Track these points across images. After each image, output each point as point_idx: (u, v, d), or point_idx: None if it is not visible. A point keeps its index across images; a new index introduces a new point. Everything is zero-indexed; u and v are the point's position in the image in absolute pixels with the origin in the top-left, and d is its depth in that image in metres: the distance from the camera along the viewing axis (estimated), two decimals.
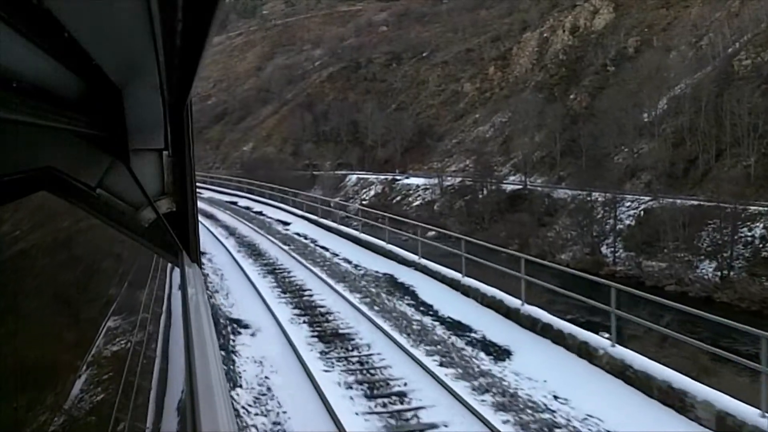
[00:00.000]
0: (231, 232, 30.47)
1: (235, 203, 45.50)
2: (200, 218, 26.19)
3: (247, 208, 42.40)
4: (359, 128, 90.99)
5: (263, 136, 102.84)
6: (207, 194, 50.32)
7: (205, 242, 22.67)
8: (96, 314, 1.10)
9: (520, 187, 60.36)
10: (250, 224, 32.91)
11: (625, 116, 57.23)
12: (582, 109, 68.58)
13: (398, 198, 70.11)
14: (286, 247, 24.97)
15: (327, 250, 24.59)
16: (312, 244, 26.17)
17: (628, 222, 47.11)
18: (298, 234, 29.44)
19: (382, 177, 75.55)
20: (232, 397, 9.72)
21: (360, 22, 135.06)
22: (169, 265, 2.44)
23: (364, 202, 72.12)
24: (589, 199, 50.95)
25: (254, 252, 24.55)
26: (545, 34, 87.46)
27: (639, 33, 76.29)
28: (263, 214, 37.76)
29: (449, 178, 67.34)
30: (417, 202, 67.61)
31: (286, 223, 33.95)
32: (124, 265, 2.05)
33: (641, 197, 48.96)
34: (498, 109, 79.74)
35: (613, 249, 45.58)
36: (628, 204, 48.52)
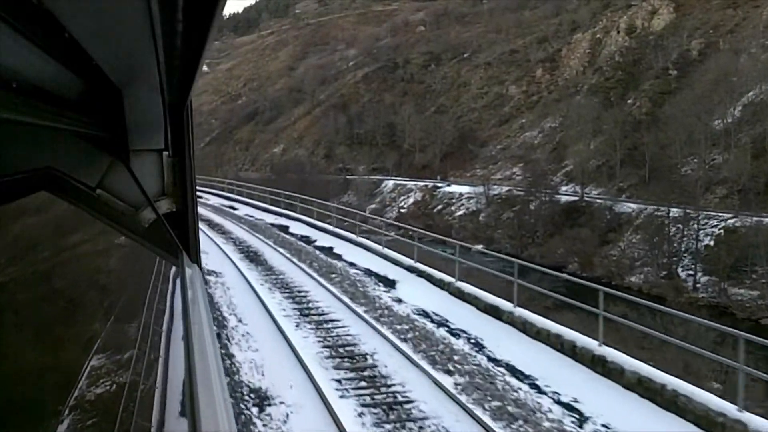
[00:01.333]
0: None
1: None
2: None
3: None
4: (396, 131, 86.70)
5: (294, 137, 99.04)
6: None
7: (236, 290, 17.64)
8: (96, 315, 1.10)
9: (576, 198, 55.47)
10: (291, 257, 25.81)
11: (695, 124, 52.17)
12: (642, 114, 63.54)
13: (440, 207, 65.56)
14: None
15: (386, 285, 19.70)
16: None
17: (706, 242, 42.05)
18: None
19: (422, 184, 71.06)
20: None
21: (396, 21, 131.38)
22: (169, 265, 2.40)
23: (402, 210, 67.77)
24: (658, 214, 46.02)
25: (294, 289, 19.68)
26: (598, 35, 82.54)
27: (703, 35, 71.02)
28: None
29: (495, 187, 62.57)
30: (460, 212, 63.01)
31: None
32: (124, 265, 2.05)
33: (719, 214, 43.89)
34: (547, 113, 74.96)
35: (692, 273, 40.50)
36: (705, 221, 43.45)
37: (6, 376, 0.67)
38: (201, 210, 31.13)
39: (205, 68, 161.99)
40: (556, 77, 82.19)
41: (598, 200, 53.75)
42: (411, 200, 68.91)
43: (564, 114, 71.33)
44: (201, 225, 25.49)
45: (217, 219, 32.28)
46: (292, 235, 27.16)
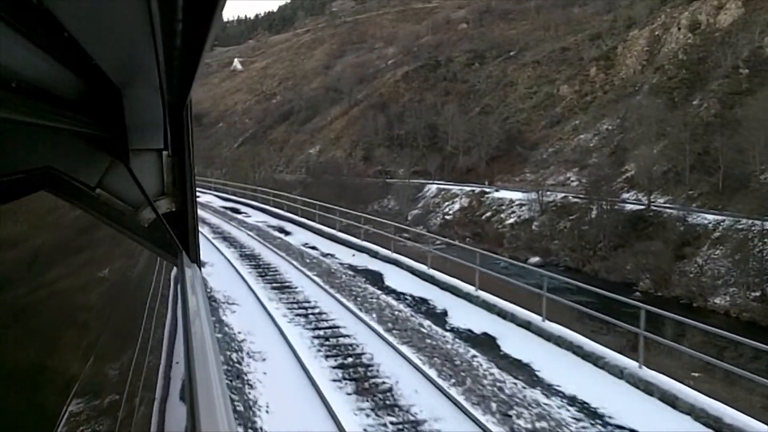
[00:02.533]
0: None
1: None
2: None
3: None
4: (438, 133, 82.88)
5: (331, 138, 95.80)
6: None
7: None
8: (95, 314, 1.14)
9: (642, 207, 50.97)
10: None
11: None
12: (711, 116, 58.78)
13: (488, 214, 61.42)
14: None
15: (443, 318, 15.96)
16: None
17: None
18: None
19: (468, 189, 67.03)
20: None
21: (437, 19, 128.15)
22: (169, 265, 2.42)
23: (447, 217, 63.92)
24: (740, 226, 41.53)
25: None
26: (656, 32, 77.72)
27: None
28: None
29: (549, 193, 58.31)
30: (511, 220, 58.86)
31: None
32: (124, 265, 2.02)
33: None
34: (603, 114, 70.45)
35: None
36: None
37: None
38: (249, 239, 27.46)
39: (239, 66, 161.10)
40: (612, 76, 77.57)
41: (667, 210, 49.17)
42: (456, 206, 64.95)
43: (622, 115, 66.78)
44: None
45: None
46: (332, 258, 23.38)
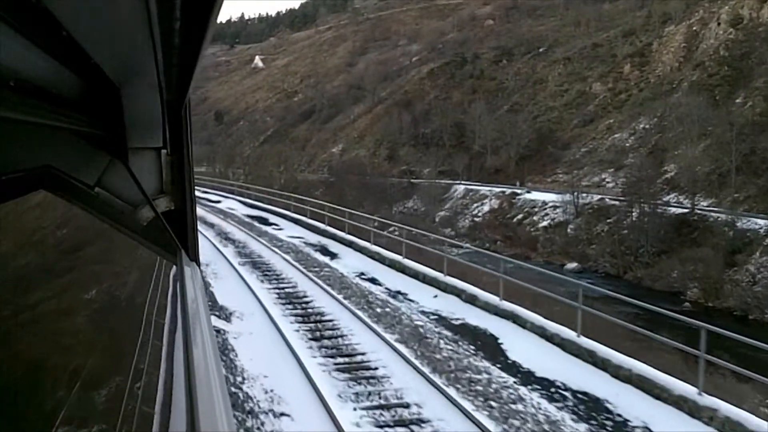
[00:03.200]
0: None
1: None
2: None
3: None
4: (465, 131, 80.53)
5: (354, 137, 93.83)
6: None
7: None
8: (94, 313, 1.18)
9: (686, 210, 48.37)
10: None
11: None
12: (756, 115, 55.96)
13: (520, 216, 59.03)
14: None
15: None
16: None
17: None
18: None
19: (498, 189, 64.67)
20: None
21: (462, 15, 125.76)
22: (168, 263, 2.41)
23: (477, 219, 61.65)
24: None
25: None
26: (694, 28, 74.81)
27: None
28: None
29: (584, 195, 55.80)
30: (544, 223, 56.44)
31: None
32: (123, 263, 2.04)
33: None
34: (639, 113, 67.76)
35: None
36: None
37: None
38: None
39: (260, 64, 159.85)
40: (647, 73, 74.77)
41: (712, 213, 46.54)
42: (486, 208, 62.63)
43: (660, 114, 64.11)
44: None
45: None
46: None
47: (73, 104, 1.48)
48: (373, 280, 19.47)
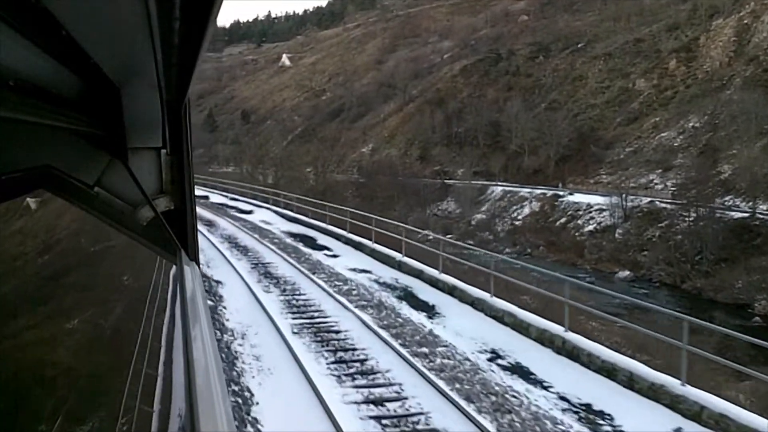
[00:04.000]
0: None
1: None
2: None
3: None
4: (501, 130, 77.75)
5: (385, 136, 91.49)
6: None
7: None
8: (94, 312, 1.24)
9: (746, 215, 45.20)
10: None
11: None
12: None
13: (563, 220, 56.19)
14: None
15: None
16: None
17: None
18: None
19: (539, 191, 61.84)
20: None
21: (495, 11, 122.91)
22: (167, 263, 2.50)
23: (517, 223, 58.88)
24: None
25: None
26: (745, 21, 71.25)
27: None
28: None
29: (633, 198, 52.80)
30: (590, 227, 53.56)
31: None
32: (122, 263, 2.14)
33: None
34: (687, 110, 64.47)
35: None
36: None
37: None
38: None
39: (287, 62, 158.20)
40: (694, 69, 71.32)
41: None
42: (526, 211, 59.87)
43: (711, 111, 60.84)
44: None
45: None
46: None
47: (72, 104, 1.49)
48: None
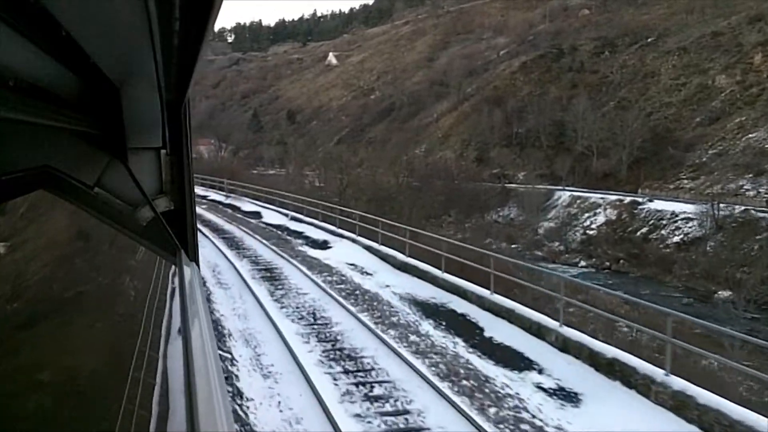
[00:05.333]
0: None
1: None
2: None
3: None
4: (566, 130, 72.95)
5: (438, 137, 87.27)
6: None
7: None
8: (94, 312, 1.29)
9: None
10: None
11: None
12: None
13: (644, 230, 51.22)
14: None
15: None
16: None
17: None
18: None
19: (613, 197, 56.90)
20: None
21: (553, 6, 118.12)
22: (167, 263, 2.42)
23: (590, 232, 54.08)
24: None
25: None
26: None
27: None
28: None
29: (724, 206, 47.62)
30: (675, 238, 48.54)
31: None
32: (122, 263, 2.04)
33: None
34: None
35: None
36: None
37: None
38: None
39: (333, 61, 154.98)
40: None
41: None
42: (601, 219, 55.02)
43: None
44: None
45: None
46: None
47: (72, 104, 1.49)
48: None
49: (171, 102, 2.22)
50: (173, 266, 2.41)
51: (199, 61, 1.50)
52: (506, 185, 69.31)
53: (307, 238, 25.69)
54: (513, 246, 54.59)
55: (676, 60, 76.54)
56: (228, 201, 39.85)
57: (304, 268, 19.05)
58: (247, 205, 36.97)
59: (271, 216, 32.33)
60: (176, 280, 2.29)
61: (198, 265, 2.60)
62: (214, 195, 43.34)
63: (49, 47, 1.07)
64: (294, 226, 28.83)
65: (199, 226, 26.27)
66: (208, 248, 22.49)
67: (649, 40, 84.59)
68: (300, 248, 23.30)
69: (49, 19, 0.94)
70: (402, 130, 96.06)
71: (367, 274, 18.81)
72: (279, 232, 27.24)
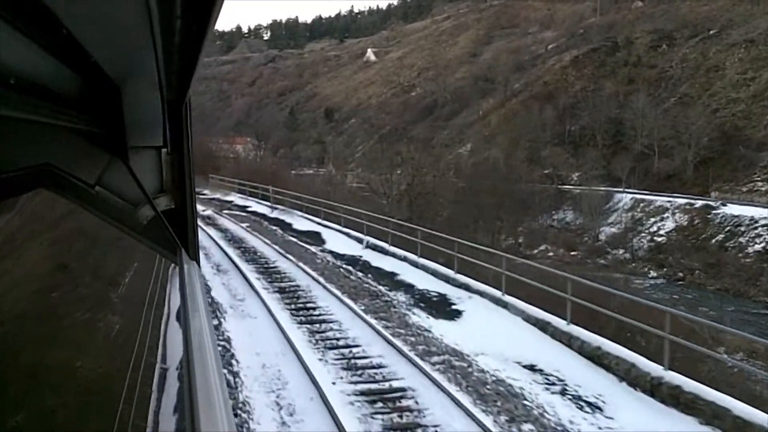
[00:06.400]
0: None
1: None
2: None
3: None
4: (623, 128, 68.86)
5: (484, 135, 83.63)
6: None
7: None
8: (94, 311, 1.33)
9: None
10: None
11: None
12: None
13: (720, 237, 47.17)
14: None
15: None
16: None
17: None
18: None
19: (682, 201, 52.86)
20: None
21: None
22: (168, 262, 2.40)
23: (658, 239, 50.17)
24: None
25: None
26: None
27: None
28: None
29: None
30: (756, 247, 44.43)
31: None
32: (123, 262, 2.09)
33: None
34: None
35: None
36: None
37: None
38: None
39: (372, 57, 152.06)
40: None
41: None
42: (669, 225, 51.12)
43: None
44: None
45: None
46: None
47: (73, 103, 1.50)
48: None
49: (172, 101, 2.17)
50: (174, 265, 2.22)
51: (201, 60, 1.49)
52: (560, 186, 65.59)
53: (409, 289, 16.95)
54: (572, 253, 51.09)
55: (743, 53, 71.84)
56: (274, 215, 32.70)
57: (465, 402, 9.67)
58: (301, 222, 29.16)
59: (337, 240, 24.12)
60: (177, 278, 1.88)
61: (199, 263, 2.58)
62: (255, 206, 36.50)
63: (50, 46, 1.08)
64: (378, 260, 20.49)
65: (244, 263, 19.88)
66: (262, 321, 13.75)
67: (711, 32, 79.86)
68: (411, 316, 14.46)
69: (50, 18, 0.94)
70: (446, 129, 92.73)
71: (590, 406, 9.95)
72: (360, 275, 18.63)
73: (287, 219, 30.60)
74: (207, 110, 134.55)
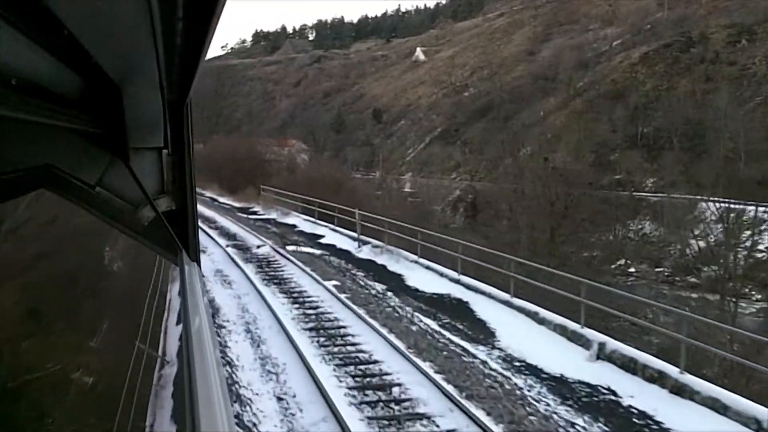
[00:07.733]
0: None
1: None
2: None
3: None
4: (704, 131, 63.44)
5: (547, 138, 78.70)
6: None
7: None
8: (95, 311, 1.40)
9: None
10: None
11: None
12: None
13: None
14: None
15: None
16: None
17: None
18: None
19: None
20: None
21: None
22: (168, 263, 2.46)
23: (758, 255, 45.03)
24: None
25: None
26: None
27: None
28: None
29: None
30: None
31: None
32: (124, 263, 2.11)
33: None
34: None
35: None
36: None
37: None
38: None
39: (421, 57, 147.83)
40: None
41: None
42: None
43: None
44: None
45: None
46: None
47: (74, 103, 1.51)
48: None
49: (173, 101, 2.18)
50: (174, 266, 2.31)
51: (202, 61, 1.49)
52: (634, 194, 60.64)
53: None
54: (657, 270, 46.25)
55: None
56: (364, 254, 23.65)
57: None
58: (418, 274, 19.81)
59: (518, 330, 14.45)
60: (177, 279, 2.16)
61: (199, 264, 2.61)
62: (331, 236, 27.61)
63: (51, 46, 1.08)
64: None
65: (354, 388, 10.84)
66: None
67: None
68: None
69: (51, 18, 0.94)
70: (503, 131, 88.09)
71: None
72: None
73: (393, 266, 21.11)
74: (254, 111, 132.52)
